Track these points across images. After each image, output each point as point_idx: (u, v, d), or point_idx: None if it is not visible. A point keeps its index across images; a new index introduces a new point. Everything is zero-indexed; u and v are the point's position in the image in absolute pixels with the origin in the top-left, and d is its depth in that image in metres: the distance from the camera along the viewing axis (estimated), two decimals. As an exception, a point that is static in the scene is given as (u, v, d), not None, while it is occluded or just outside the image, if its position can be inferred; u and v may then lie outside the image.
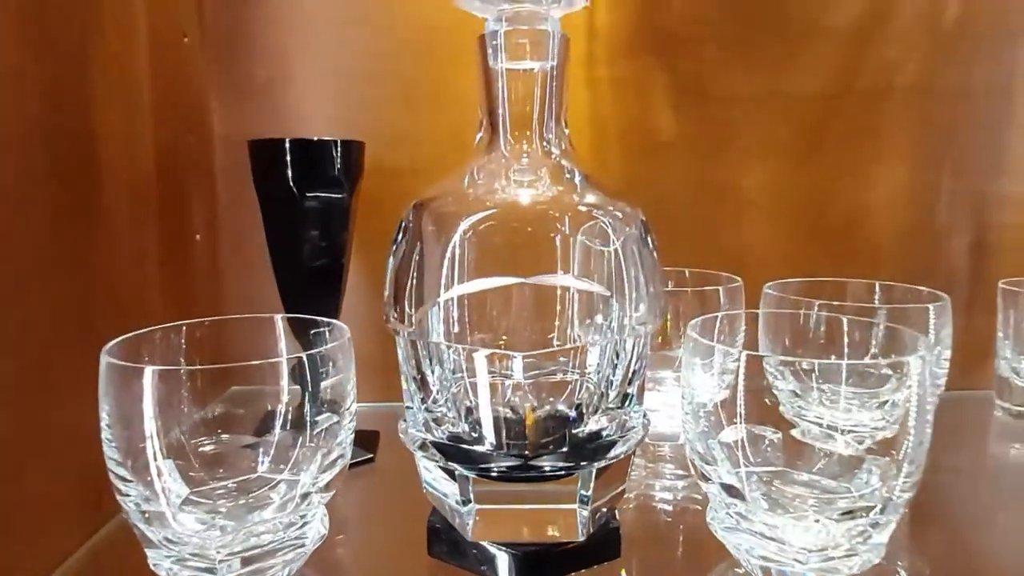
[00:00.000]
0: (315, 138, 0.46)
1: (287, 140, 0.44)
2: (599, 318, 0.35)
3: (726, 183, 0.60)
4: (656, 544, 0.39)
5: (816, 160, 0.61)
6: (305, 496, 0.32)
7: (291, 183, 0.44)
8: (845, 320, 0.38)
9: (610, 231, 0.35)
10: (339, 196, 0.45)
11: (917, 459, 0.31)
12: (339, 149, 0.46)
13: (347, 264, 0.48)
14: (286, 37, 0.57)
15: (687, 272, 0.54)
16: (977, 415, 0.57)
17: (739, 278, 0.50)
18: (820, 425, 0.35)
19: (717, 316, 0.36)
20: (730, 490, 0.32)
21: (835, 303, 0.43)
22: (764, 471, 0.33)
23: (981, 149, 0.62)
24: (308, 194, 0.45)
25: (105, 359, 0.29)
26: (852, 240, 0.62)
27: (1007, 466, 0.49)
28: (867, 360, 0.37)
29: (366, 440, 0.49)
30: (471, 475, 0.33)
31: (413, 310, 0.33)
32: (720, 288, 0.49)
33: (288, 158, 0.44)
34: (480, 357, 0.33)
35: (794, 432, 0.36)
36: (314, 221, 0.45)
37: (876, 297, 0.46)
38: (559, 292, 0.34)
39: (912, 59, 0.60)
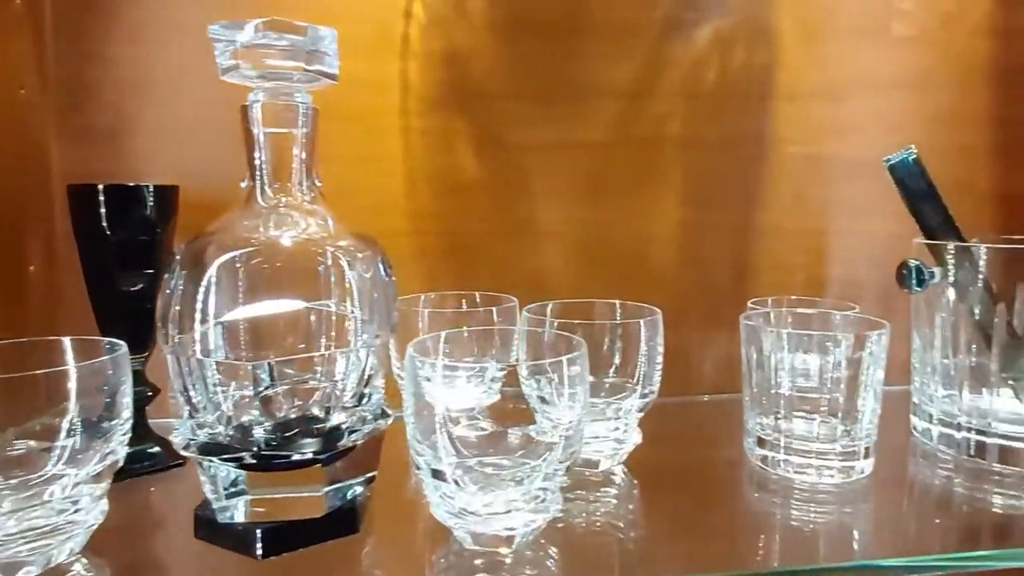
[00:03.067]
0: (130, 183, 0.52)
1: (101, 185, 0.51)
2: (348, 335, 0.43)
3: (524, 219, 0.70)
4: (400, 523, 0.47)
5: (602, 199, 0.71)
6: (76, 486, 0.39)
7: (104, 224, 0.51)
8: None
9: (357, 263, 0.43)
10: (149, 237, 0.52)
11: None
12: (152, 193, 0.53)
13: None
14: (127, 90, 0.63)
15: (477, 296, 0.63)
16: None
17: (515, 299, 0.59)
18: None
19: (440, 335, 0.44)
20: (436, 474, 0.41)
21: (577, 321, 0.52)
22: (471, 458, 0.41)
23: (738, 188, 0.73)
24: (120, 235, 0.51)
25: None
26: (635, 268, 0.72)
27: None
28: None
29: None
30: (230, 467, 0.40)
31: (177, 332, 0.40)
32: (494, 308, 0.58)
33: (102, 200, 0.51)
34: (210, 363, 0.41)
35: (531, 429, 0.44)
36: (126, 259, 0.52)
37: (617, 314, 0.56)
38: (313, 314, 0.42)
39: (677, 115, 0.72)
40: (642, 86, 0.71)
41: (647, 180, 0.72)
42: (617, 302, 0.56)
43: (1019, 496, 0.50)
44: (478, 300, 0.63)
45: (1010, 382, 0.54)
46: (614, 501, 0.50)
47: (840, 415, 0.52)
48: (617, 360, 0.52)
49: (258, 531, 0.40)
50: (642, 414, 0.54)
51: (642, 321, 0.51)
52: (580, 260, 0.71)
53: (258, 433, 0.42)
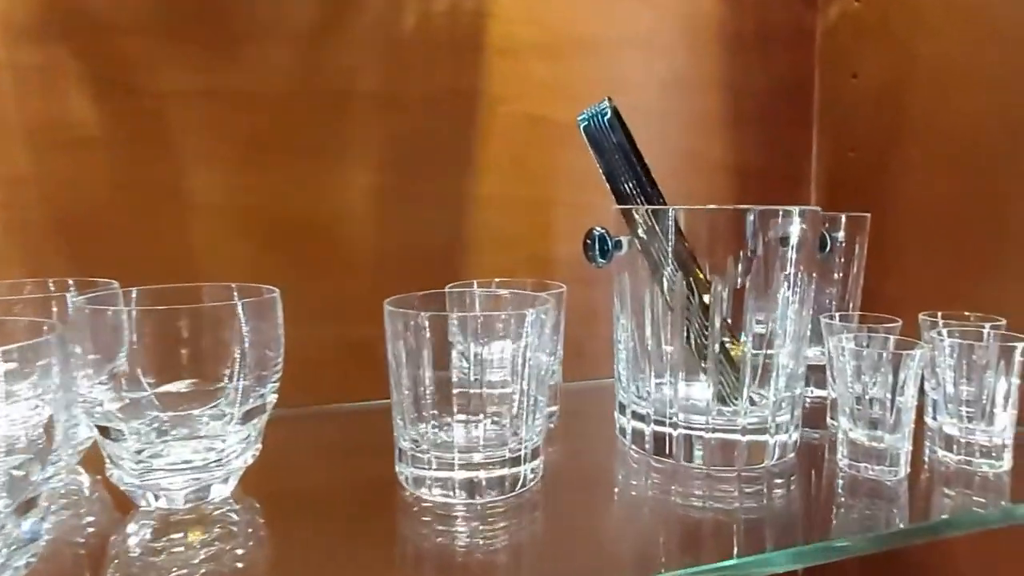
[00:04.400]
0: None
1: None
2: None
3: (166, 185, 0.56)
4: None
5: (273, 164, 0.58)
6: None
7: None
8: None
9: None
10: None
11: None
12: None
13: None
14: None
15: (71, 281, 0.47)
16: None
17: (116, 282, 0.45)
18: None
19: None
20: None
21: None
22: None
23: (447, 152, 0.63)
24: None
25: None
26: (318, 246, 0.60)
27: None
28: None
29: None
30: None
31: None
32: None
33: None
34: None
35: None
36: None
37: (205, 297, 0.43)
38: None
39: (370, 66, 0.60)
40: (326, 30, 0.59)
41: (332, 142, 0.60)
42: (234, 285, 0.43)
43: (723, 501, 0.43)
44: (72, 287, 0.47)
45: (703, 365, 0.47)
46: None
47: (504, 418, 0.42)
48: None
49: None
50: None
51: (242, 305, 0.39)
52: (243, 237, 0.58)
53: None
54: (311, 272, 0.59)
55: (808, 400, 0.58)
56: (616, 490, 0.47)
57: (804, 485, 0.46)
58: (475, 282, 0.56)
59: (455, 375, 0.41)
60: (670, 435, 0.47)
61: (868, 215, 0.62)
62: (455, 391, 0.41)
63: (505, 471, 0.41)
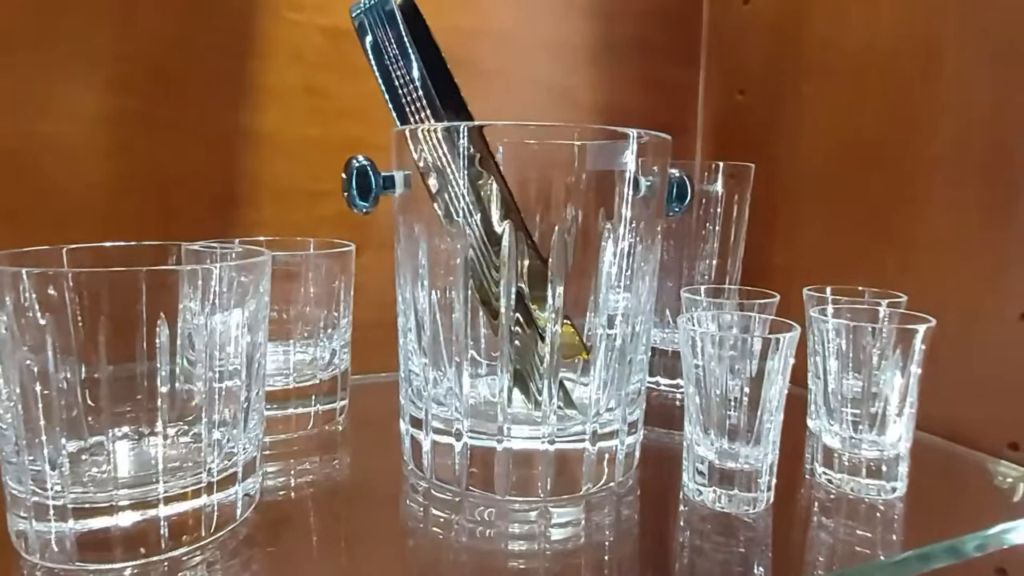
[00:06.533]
0: None
1: None
2: None
3: None
4: None
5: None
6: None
7: None
8: None
9: None
10: None
11: None
12: None
13: None
14: None
15: None
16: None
17: None
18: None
19: None
20: None
21: None
22: None
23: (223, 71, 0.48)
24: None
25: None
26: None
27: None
28: None
29: None
30: None
31: None
32: None
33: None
34: None
35: None
36: None
37: None
38: None
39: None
40: None
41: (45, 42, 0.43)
42: None
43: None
44: None
45: (512, 353, 0.33)
46: None
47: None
48: None
49: None
50: None
51: None
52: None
53: None
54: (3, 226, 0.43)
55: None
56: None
57: (628, 523, 0.33)
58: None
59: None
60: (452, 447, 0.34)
61: (752, 165, 0.50)
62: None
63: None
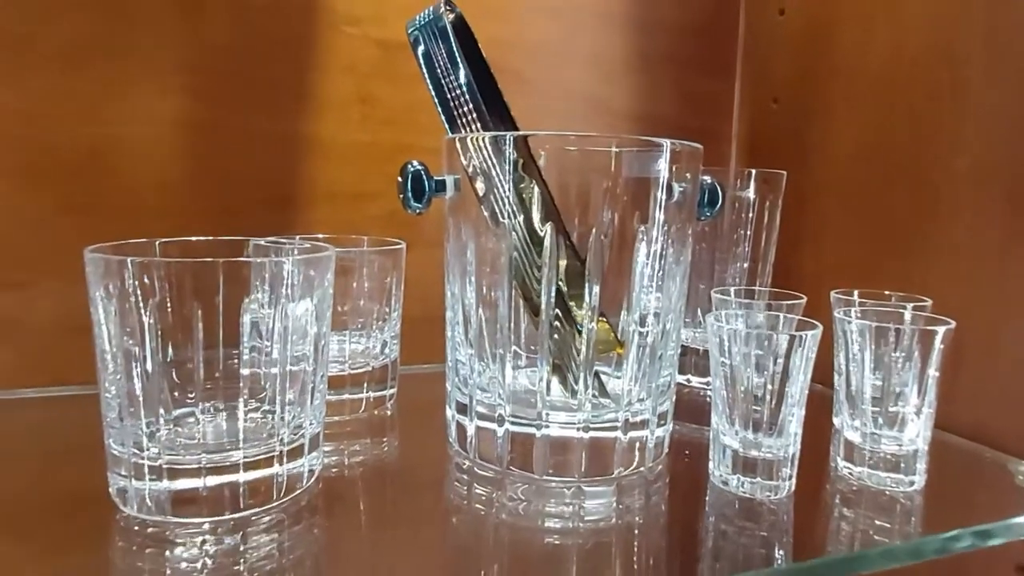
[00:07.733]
0: None
1: None
2: None
3: None
4: None
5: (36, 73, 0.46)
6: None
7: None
8: None
9: None
10: None
11: None
12: None
13: None
14: None
15: None
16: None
17: None
18: None
19: None
20: None
21: None
22: None
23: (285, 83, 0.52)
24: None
25: None
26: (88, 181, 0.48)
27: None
28: None
29: None
30: None
31: None
32: None
33: None
34: None
35: None
36: None
37: None
38: None
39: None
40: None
41: (119, 48, 0.47)
42: None
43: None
44: None
45: (553, 338, 0.36)
46: None
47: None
48: None
49: None
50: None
51: None
52: None
53: None
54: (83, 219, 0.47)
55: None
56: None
57: (656, 506, 0.36)
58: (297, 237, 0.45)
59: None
60: (495, 432, 0.37)
61: (783, 173, 0.52)
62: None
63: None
